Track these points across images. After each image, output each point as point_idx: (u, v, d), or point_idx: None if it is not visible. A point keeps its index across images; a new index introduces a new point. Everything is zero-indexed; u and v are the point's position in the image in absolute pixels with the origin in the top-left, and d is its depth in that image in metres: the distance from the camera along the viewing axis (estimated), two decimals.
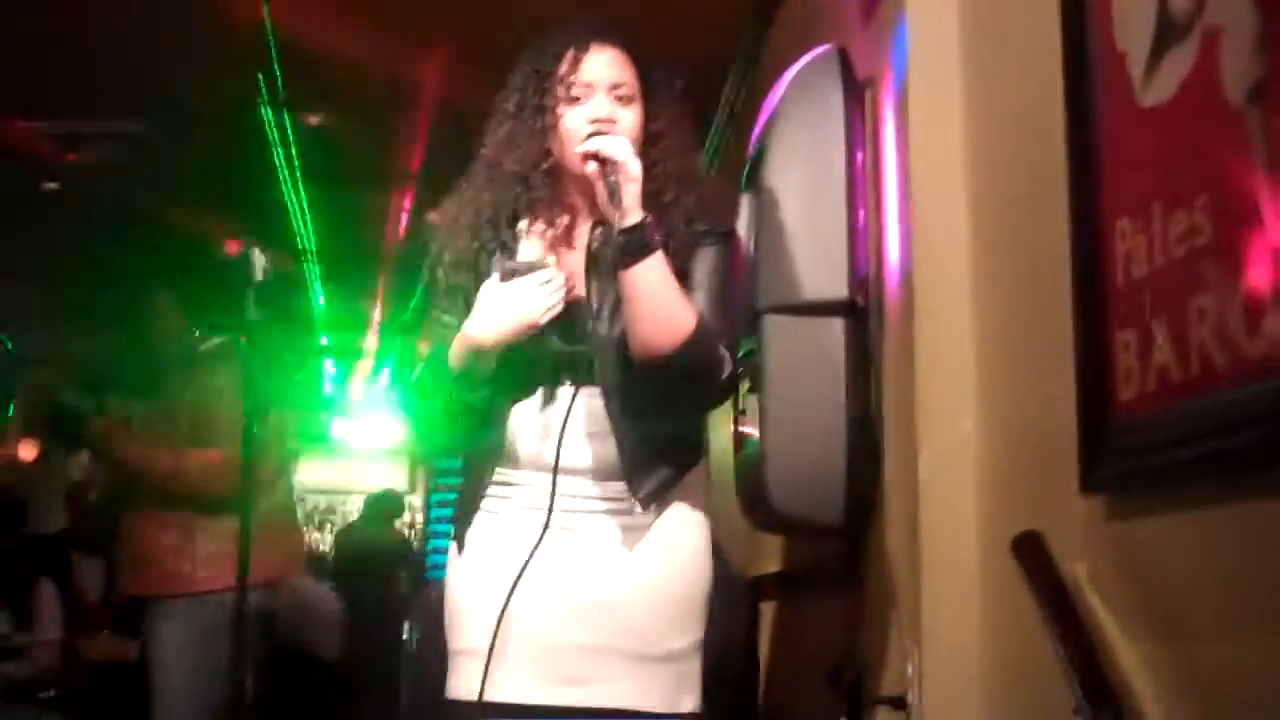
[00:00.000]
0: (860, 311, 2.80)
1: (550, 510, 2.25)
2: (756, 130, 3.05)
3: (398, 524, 11.72)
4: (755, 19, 4.49)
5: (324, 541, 14.13)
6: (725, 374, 2.28)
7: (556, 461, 2.26)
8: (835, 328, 2.77)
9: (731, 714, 3.25)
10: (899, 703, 2.47)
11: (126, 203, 6.31)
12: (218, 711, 3.57)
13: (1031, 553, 1.91)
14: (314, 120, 5.67)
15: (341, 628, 8.53)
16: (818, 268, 2.76)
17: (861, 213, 2.83)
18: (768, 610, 3.73)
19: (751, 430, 2.86)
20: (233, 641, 3.03)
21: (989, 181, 2.44)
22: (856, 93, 2.92)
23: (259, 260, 2.89)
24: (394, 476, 14.26)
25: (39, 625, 4.73)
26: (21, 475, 8.49)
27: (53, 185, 6.23)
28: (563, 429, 2.26)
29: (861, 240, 2.82)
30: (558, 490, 2.27)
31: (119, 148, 5.70)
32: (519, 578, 2.24)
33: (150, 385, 4.03)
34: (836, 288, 2.77)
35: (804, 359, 2.72)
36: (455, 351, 2.27)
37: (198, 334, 3.95)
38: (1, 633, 4.69)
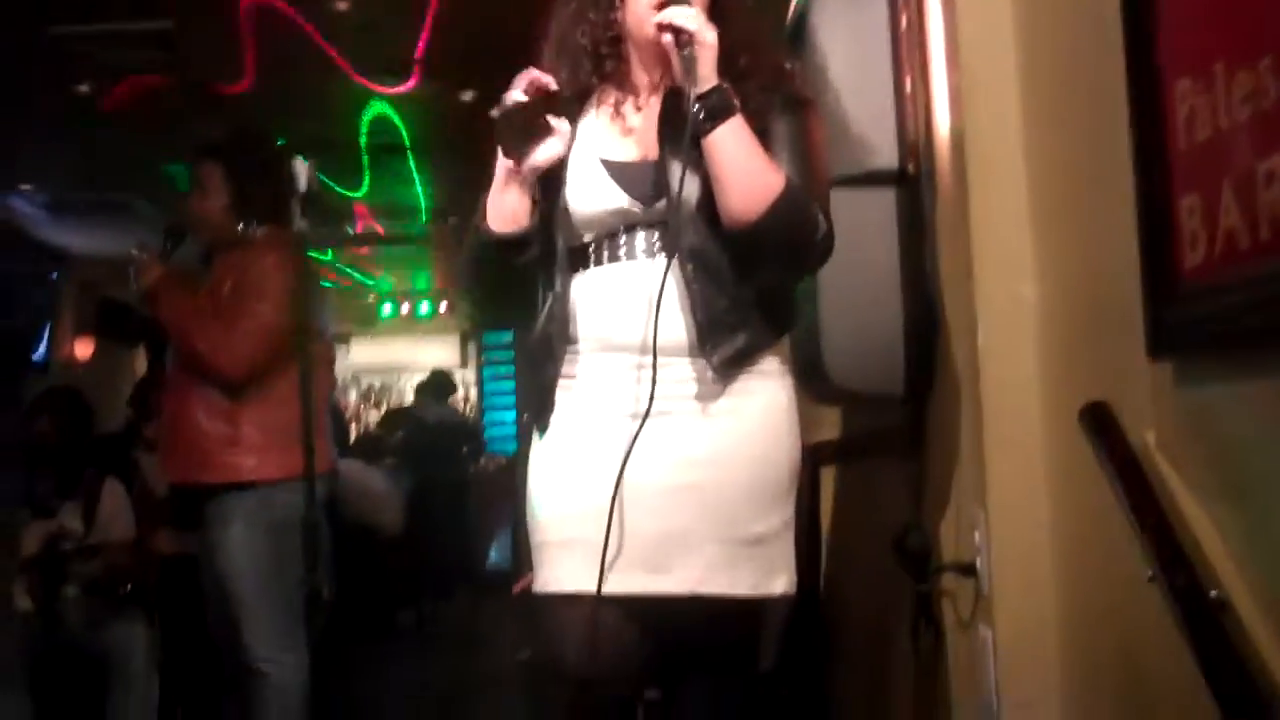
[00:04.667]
0: (911, 180, 2.76)
1: (651, 399, 2.14)
2: None
3: (451, 400, 11.85)
4: None
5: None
6: (821, 234, 2.19)
7: (655, 341, 2.16)
8: (887, 198, 2.74)
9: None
10: (968, 569, 2.48)
11: (162, 103, 6.28)
12: (291, 599, 3.59)
13: (1100, 423, 1.90)
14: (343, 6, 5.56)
15: (401, 505, 8.72)
16: (866, 138, 2.72)
17: (908, 78, 2.78)
18: (826, 476, 3.74)
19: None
20: (303, 535, 3.04)
21: (1039, 39, 2.38)
22: None
23: (302, 170, 2.86)
24: (446, 353, 14.35)
25: (107, 524, 4.82)
26: (85, 375, 8.61)
27: (84, 89, 6.18)
28: (658, 305, 2.15)
29: (909, 107, 2.77)
30: (644, 370, 2.17)
31: (151, 48, 5.63)
32: (622, 470, 2.15)
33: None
34: (887, 157, 2.73)
35: (857, 231, 2.67)
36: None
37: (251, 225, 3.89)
38: (75, 533, 4.78)
